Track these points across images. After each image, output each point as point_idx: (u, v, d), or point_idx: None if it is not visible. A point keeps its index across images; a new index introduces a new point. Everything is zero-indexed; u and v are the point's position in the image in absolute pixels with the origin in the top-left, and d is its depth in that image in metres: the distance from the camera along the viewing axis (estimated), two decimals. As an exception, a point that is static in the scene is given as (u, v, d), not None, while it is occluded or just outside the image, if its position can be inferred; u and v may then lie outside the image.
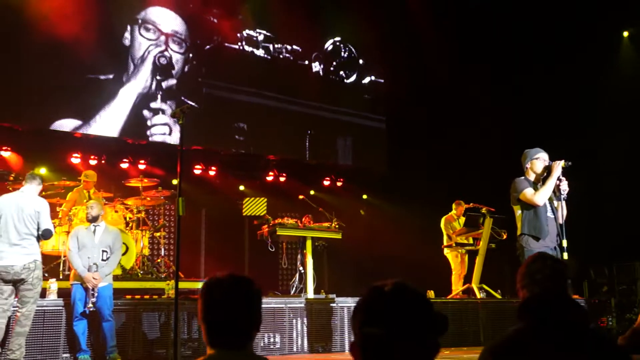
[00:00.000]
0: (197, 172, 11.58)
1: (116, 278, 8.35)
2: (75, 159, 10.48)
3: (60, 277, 8.00)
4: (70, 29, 9.79)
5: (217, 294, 2.20)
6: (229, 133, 11.59)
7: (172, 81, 11.19)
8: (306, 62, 12.68)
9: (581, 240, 9.23)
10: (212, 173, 11.81)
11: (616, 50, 12.83)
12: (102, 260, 6.93)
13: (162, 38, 11.21)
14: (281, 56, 12.36)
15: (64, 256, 8.01)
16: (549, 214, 6.21)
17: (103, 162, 10.64)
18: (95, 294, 6.74)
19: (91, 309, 6.73)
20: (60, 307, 6.89)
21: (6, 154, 10.07)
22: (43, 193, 8.87)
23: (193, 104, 10.82)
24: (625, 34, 12.87)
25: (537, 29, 11.75)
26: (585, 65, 11.82)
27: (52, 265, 8.46)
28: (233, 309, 2.17)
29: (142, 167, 10.77)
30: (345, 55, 13.14)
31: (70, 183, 9.09)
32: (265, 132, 11.87)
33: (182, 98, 11.06)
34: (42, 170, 10.11)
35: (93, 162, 10.48)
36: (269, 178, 12.38)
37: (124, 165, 10.82)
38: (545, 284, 2.84)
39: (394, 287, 1.59)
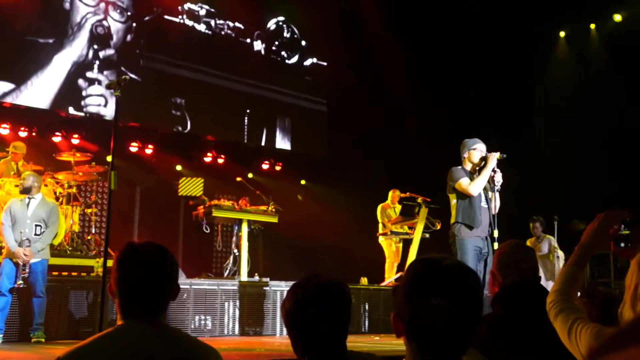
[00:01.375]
0: (133, 149, 11.30)
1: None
2: (4, 130, 10.08)
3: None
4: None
5: (132, 261, 2.15)
6: (166, 109, 11.35)
7: (111, 51, 10.89)
8: (248, 40, 12.50)
9: (511, 231, 9.50)
10: (148, 151, 11.55)
11: (552, 50, 13.14)
12: (35, 235, 6.70)
13: (102, 5, 10.88)
14: (223, 32, 12.16)
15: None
16: (483, 204, 6.31)
17: (34, 134, 10.26)
18: (27, 270, 6.52)
19: (21, 285, 6.52)
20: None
21: None
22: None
23: (134, 76, 10.57)
24: (562, 34, 13.20)
25: (477, 24, 11.92)
26: (523, 64, 12.09)
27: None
28: (148, 278, 2.13)
29: (75, 141, 10.44)
30: (288, 36, 13.03)
31: (-4, 153, 8.77)
32: (203, 110, 11.70)
33: (122, 69, 10.79)
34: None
35: (23, 134, 10.10)
36: (207, 159, 12.20)
37: (57, 139, 10.47)
38: (527, 274, 2.88)
39: (451, 261, 1.61)
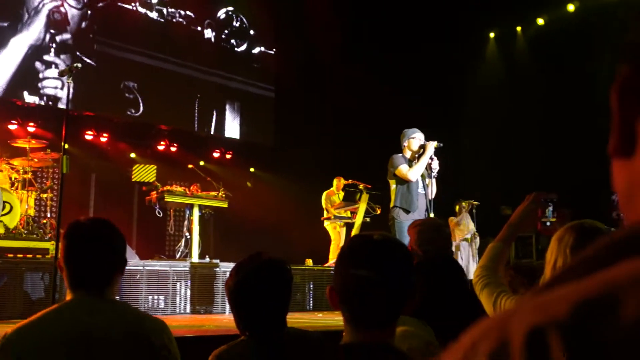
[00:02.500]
0: (88, 137, 11.03)
1: (-1, 237, 7.86)
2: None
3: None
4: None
5: (79, 236, 2.10)
6: (119, 92, 11.10)
7: (67, 35, 10.60)
8: (199, 29, 12.33)
9: (446, 215, 9.63)
10: (103, 139, 11.30)
11: (484, 48, 13.38)
12: None
13: None
14: (174, 20, 11.93)
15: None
16: (420, 190, 6.39)
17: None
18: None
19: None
20: None
21: None
22: None
23: (89, 60, 10.29)
24: (492, 34, 13.41)
25: (417, 18, 12.02)
26: (457, 61, 12.26)
27: None
28: (94, 250, 2.07)
29: (31, 129, 10.09)
30: (237, 25, 12.90)
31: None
32: (155, 94, 11.50)
33: (77, 54, 10.49)
34: None
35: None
36: (161, 147, 12.00)
37: (12, 127, 10.09)
38: (442, 248, 2.93)
39: (382, 236, 1.63)
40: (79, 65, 5.98)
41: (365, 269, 1.54)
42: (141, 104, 11.26)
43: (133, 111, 11.23)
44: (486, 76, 12.94)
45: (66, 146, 6.17)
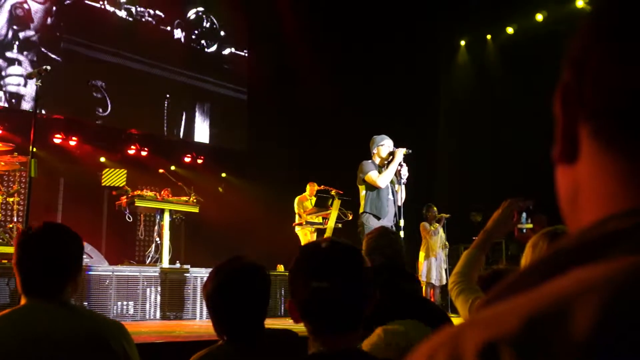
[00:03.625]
0: (57, 141, 10.85)
1: (-37, 242, 7.69)
2: None
3: None
4: None
5: (30, 241, 2.08)
6: (87, 92, 10.90)
7: (30, 32, 10.41)
8: (168, 28, 12.22)
9: (415, 221, 9.69)
10: (72, 143, 11.13)
11: (455, 55, 13.53)
12: None
13: None
14: (143, 19, 11.81)
15: None
16: (390, 196, 6.43)
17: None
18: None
19: None
20: None
21: None
22: None
23: (54, 56, 10.12)
24: (462, 42, 13.58)
25: (388, 23, 12.11)
26: (429, 67, 12.38)
27: None
28: (45, 256, 2.04)
29: (-3, 132, 9.92)
30: (207, 26, 12.80)
31: None
32: (123, 93, 11.33)
33: (42, 50, 10.31)
34: None
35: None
36: (131, 151, 11.86)
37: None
38: (391, 257, 2.90)
39: (330, 243, 1.63)
40: (48, 67, 5.89)
41: (318, 280, 1.53)
42: (109, 103, 11.11)
43: (101, 110, 11.07)
44: (457, 83, 13.09)
45: (34, 149, 6.08)
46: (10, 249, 7.93)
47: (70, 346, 2.01)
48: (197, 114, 12.56)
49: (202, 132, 12.66)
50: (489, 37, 13.10)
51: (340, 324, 1.55)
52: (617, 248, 0.44)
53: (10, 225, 8.93)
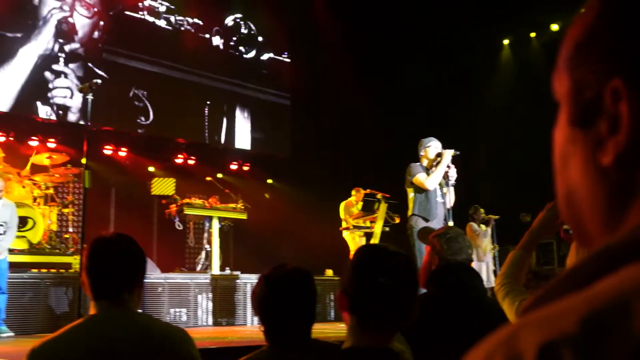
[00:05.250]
0: (107, 152, 11.11)
1: (22, 252, 7.94)
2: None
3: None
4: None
5: (101, 250, 2.19)
6: (129, 103, 11.06)
7: (76, 45, 10.62)
8: (207, 36, 12.31)
9: (463, 223, 9.59)
10: (122, 154, 11.38)
11: (498, 55, 13.37)
12: (0, 234, 6.53)
13: (69, 0, 10.63)
14: (182, 28, 11.95)
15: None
16: (439, 198, 6.38)
17: (11, 138, 10.00)
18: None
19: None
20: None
21: None
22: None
23: (98, 68, 10.37)
24: (506, 41, 13.39)
25: (431, 26, 12.04)
26: (472, 68, 12.26)
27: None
28: (116, 264, 2.15)
29: (52, 145, 10.20)
30: (245, 32, 12.86)
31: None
32: (165, 104, 11.44)
33: (87, 61, 10.57)
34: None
35: (1, 139, 9.82)
36: (179, 160, 12.04)
37: (33, 143, 10.21)
38: (455, 256, 2.89)
39: (395, 248, 1.75)
40: (99, 81, 6.06)
41: (384, 277, 1.62)
42: (151, 112, 11.27)
43: (143, 119, 11.24)
44: (501, 82, 12.92)
45: (84, 161, 6.24)
46: (67, 259, 8.17)
47: (140, 352, 2.09)
48: (237, 120, 12.64)
49: (243, 138, 12.75)
50: (533, 35, 12.90)
51: (387, 323, 1.64)
52: None
53: (66, 236, 9.18)
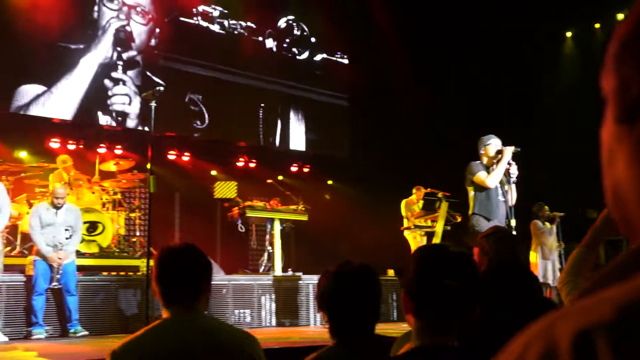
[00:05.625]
0: (171, 157, 11.40)
1: (92, 256, 8.23)
2: (55, 144, 10.22)
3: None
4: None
5: (169, 259, 2.32)
6: (185, 108, 11.25)
7: (133, 52, 10.90)
8: (260, 39, 12.40)
9: (527, 221, 9.41)
10: (185, 159, 11.66)
11: (560, 48, 13.05)
12: (66, 238, 6.78)
13: (125, 9, 10.93)
14: (236, 32, 12.10)
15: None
16: (500, 196, 6.28)
17: (81, 146, 10.39)
18: (60, 272, 6.59)
19: (56, 286, 6.60)
20: (21, 282, 6.72)
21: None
22: (23, 175, 8.74)
23: (157, 79, 10.62)
24: (569, 34, 13.05)
25: (489, 20, 11.86)
26: (532, 62, 12.00)
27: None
28: (184, 272, 2.28)
29: (118, 152, 10.55)
30: (298, 33, 12.90)
31: (49, 165, 8.91)
32: (220, 108, 11.61)
33: (147, 73, 10.85)
34: (22, 154, 9.90)
35: (72, 147, 10.22)
36: (240, 164, 12.24)
37: (101, 150, 10.58)
38: (505, 256, 2.86)
39: (458, 248, 1.75)
40: (161, 88, 6.24)
41: (449, 279, 1.62)
42: (206, 116, 11.46)
43: (199, 123, 11.43)
44: (564, 76, 12.59)
45: (149, 166, 6.43)
46: (135, 262, 8.44)
47: (209, 354, 2.20)
48: (291, 121, 12.73)
49: (297, 139, 12.81)
50: (597, 26, 12.52)
51: (453, 322, 1.65)
52: None
53: (134, 239, 9.49)
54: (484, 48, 11.77)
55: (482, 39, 11.87)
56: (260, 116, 12.22)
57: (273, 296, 8.19)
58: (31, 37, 9.63)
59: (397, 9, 12.41)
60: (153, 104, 6.10)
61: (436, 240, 9.49)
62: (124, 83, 10.77)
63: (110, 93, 10.65)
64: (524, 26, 11.69)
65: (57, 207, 6.82)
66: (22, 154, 9.90)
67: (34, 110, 9.94)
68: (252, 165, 12.34)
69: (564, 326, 0.43)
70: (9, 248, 7.91)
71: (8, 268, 6.94)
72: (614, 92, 0.58)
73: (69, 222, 6.88)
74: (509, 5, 11.60)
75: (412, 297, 1.66)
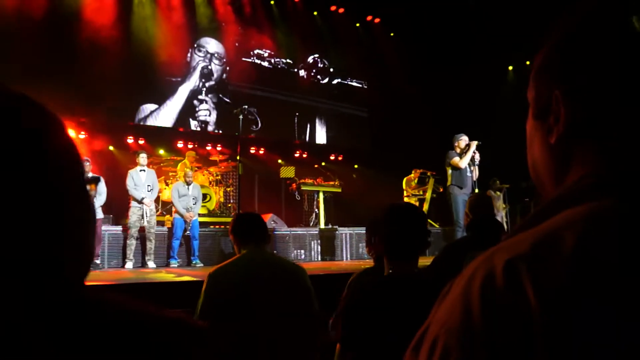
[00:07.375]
0: (252, 151, 11.59)
1: (204, 215, 8.42)
2: (180, 144, 10.58)
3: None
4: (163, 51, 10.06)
5: (245, 217, 2.44)
6: (245, 117, 11.24)
7: (212, 82, 11.15)
8: (295, 70, 12.47)
9: (485, 190, 9.19)
10: (261, 152, 11.81)
11: (504, 79, 12.45)
12: (193, 205, 7.02)
13: (208, 55, 11.18)
14: (279, 66, 12.21)
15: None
16: (468, 173, 6.31)
17: (196, 145, 10.69)
18: (190, 224, 6.86)
19: (187, 234, 6.87)
20: (164, 231, 7.04)
21: (130, 140, 10.09)
22: (161, 164, 9.03)
23: (226, 99, 10.84)
24: (510, 67, 12.44)
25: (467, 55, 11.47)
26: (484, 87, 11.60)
27: (168, 207, 8.61)
28: (255, 225, 2.40)
29: (219, 148, 10.80)
30: (321, 66, 12.88)
31: (177, 158, 9.21)
32: (268, 116, 11.66)
33: (220, 96, 11.05)
34: (161, 152, 10.23)
35: (190, 146, 10.53)
36: (297, 155, 12.35)
37: (209, 147, 10.87)
38: (483, 213, 2.87)
39: (408, 204, 1.75)
40: (246, 106, 6.38)
41: (407, 223, 1.63)
42: (259, 122, 11.62)
43: (254, 127, 11.56)
44: (506, 106, 12.15)
45: (239, 157, 6.59)
46: (230, 219, 8.61)
47: (277, 277, 2.24)
48: (317, 125, 12.72)
49: (320, 137, 12.81)
50: (510, 68, 11.89)
51: (412, 251, 1.63)
52: (587, 197, 0.45)
53: (229, 205, 9.73)
54: (464, 74, 11.46)
55: (457, 70, 11.56)
56: (295, 122, 12.33)
57: (319, 241, 8.25)
58: (152, 72, 9.99)
59: (400, 45, 12.24)
60: (241, 117, 6.22)
61: (426, 205, 9.49)
62: (206, 102, 11.00)
63: (197, 109, 10.91)
64: (490, 58, 11.29)
65: (188, 184, 7.08)
66: (161, 151, 10.24)
67: (149, 121, 10.30)
68: (304, 155, 12.41)
69: (499, 256, 0.42)
70: (158, 211, 8.22)
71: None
72: (532, 99, 0.56)
73: (194, 194, 7.11)
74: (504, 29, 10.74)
75: (382, 238, 1.62)
